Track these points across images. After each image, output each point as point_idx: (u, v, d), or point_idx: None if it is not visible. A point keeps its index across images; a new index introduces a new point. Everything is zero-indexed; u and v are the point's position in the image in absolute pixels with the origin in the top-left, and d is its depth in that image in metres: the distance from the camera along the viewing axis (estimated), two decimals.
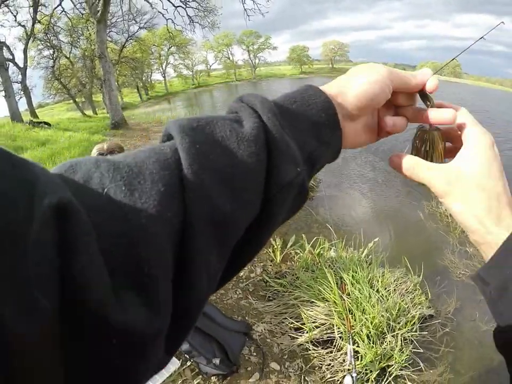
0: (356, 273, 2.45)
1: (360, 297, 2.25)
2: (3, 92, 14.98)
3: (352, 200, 4.67)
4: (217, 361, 1.90)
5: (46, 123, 13.79)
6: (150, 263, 0.22)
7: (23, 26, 18.43)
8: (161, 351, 0.26)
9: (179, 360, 2.00)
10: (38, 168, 0.20)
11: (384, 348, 1.99)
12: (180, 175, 0.26)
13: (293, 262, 2.94)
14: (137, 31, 24.79)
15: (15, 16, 17.48)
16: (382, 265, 2.72)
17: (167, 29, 19.93)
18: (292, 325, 2.27)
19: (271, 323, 2.31)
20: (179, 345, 0.29)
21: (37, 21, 18.05)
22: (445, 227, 3.72)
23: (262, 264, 3.00)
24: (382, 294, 2.33)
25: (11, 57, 18.08)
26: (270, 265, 2.98)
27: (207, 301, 0.30)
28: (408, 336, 2.12)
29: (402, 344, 2.05)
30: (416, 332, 2.16)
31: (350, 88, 0.39)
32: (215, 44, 60.44)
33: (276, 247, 3.01)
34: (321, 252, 2.88)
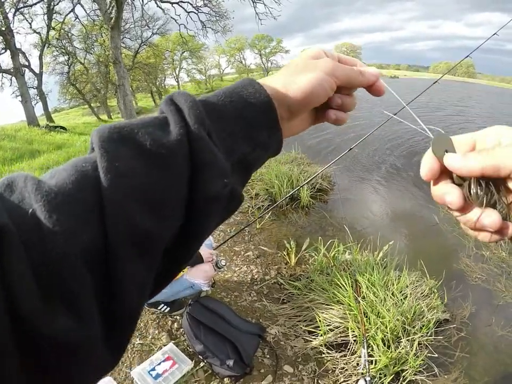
0: (371, 276, 2.42)
1: (375, 301, 2.23)
2: (20, 97, 15.32)
3: (367, 203, 4.62)
4: (230, 362, 1.90)
5: (62, 127, 14.12)
6: (70, 281, 0.24)
7: (38, 33, 18.92)
8: (102, 355, 0.27)
9: (192, 360, 2.01)
10: None
11: (399, 352, 1.96)
12: (100, 197, 0.26)
13: (307, 265, 2.93)
14: (150, 37, 25.22)
15: (30, 24, 17.92)
16: (398, 269, 2.69)
17: (180, 34, 20.17)
18: (306, 328, 2.25)
19: (285, 326, 2.30)
20: (123, 348, 0.30)
21: (51, 28, 18.49)
22: (461, 230, 3.61)
23: (276, 267, 2.99)
24: (398, 298, 2.30)
25: (27, 64, 18.55)
26: (285, 268, 2.97)
27: (143, 307, 0.32)
28: (423, 341, 2.09)
29: (417, 348, 2.02)
30: (431, 336, 2.13)
31: (295, 87, 0.38)
32: (227, 48, 60.88)
33: (290, 250, 3.00)
34: (336, 254, 2.85)
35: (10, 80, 17.48)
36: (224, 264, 2.34)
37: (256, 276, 2.86)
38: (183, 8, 16.75)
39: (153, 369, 1.98)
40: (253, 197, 4.56)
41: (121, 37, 16.24)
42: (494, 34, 2.41)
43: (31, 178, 0.26)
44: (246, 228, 3.53)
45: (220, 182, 0.32)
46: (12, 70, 15.31)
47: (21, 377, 0.22)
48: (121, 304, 0.27)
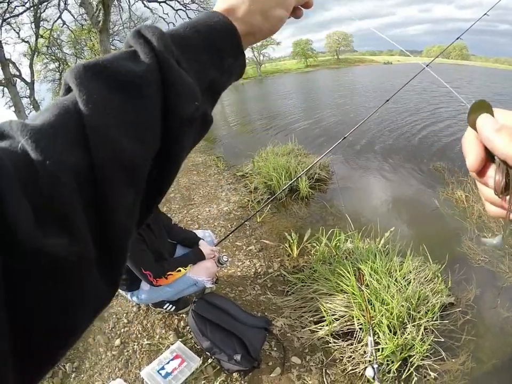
0: (374, 263, 2.42)
1: (379, 288, 2.23)
2: (13, 107, 15.36)
3: (366, 191, 4.61)
4: (238, 357, 1.91)
5: None
6: (61, 202, 0.26)
7: (27, 42, 18.78)
8: (96, 280, 0.28)
9: (200, 357, 2.03)
10: None
11: (405, 338, 1.96)
12: (82, 126, 0.28)
13: (310, 256, 2.93)
14: None
15: (17, 33, 17.78)
16: (400, 255, 2.68)
17: None
18: (311, 319, 2.26)
19: (290, 317, 2.31)
20: (118, 279, 0.32)
21: (39, 36, 18.35)
22: (462, 213, 3.65)
23: (279, 259, 3.00)
24: (401, 284, 2.30)
25: (18, 73, 18.41)
26: (287, 260, 2.98)
27: (136, 234, 0.34)
28: (429, 326, 2.09)
29: (423, 333, 2.03)
30: (437, 320, 2.13)
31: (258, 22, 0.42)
32: None
33: (292, 241, 3.00)
34: (338, 243, 2.85)
35: (2, 91, 17.46)
36: (226, 260, 2.34)
37: (259, 270, 2.87)
38: (171, 7, 16.66)
39: (163, 368, 2.00)
40: (252, 191, 4.56)
41: (111, 39, 16.12)
42: (484, 15, 2.39)
43: (16, 121, 0.28)
44: (246, 222, 3.53)
45: (192, 105, 0.34)
46: (3, 81, 15.27)
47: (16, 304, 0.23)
48: (112, 227, 0.29)
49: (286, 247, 3.09)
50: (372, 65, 57.82)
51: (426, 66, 2.35)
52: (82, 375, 2.11)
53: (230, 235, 2.68)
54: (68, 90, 0.32)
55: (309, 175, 4.57)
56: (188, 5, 16.76)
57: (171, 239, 2.38)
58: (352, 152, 6.18)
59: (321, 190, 4.57)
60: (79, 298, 0.27)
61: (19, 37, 17.99)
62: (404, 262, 2.53)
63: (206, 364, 2.00)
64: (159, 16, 18.13)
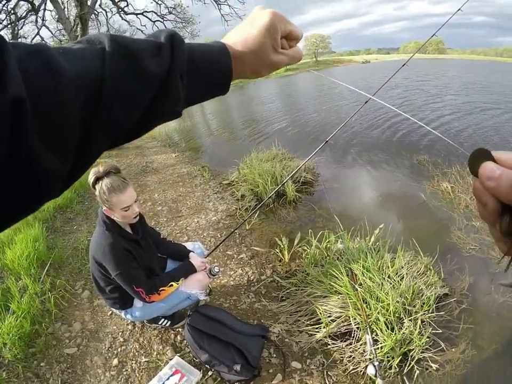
0: (366, 262, 2.43)
1: (373, 286, 2.24)
2: None
3: (352, 190, 4.64)
4: (238, 367, 1.89)
5: None
6: (65, 128, 0.32)
7: None
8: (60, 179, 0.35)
9: (200, 370, 2.00)
10: (8, 59, 0.28)
11: (403, 333, 1.98)
12: (100, 84, 0.35)
13: (301, 259, 2.92)
14: None
15: None
16: (391, 251, 2.70)
17: None
18: (308, 322, 2.26)
19: (287, 322, 2.30)
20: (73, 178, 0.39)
21: None
22: (449, 204, 3.71)
23: (271, 265, 2.99)
24: (394, 280, 2.32)
25: None
26: (279, 265, 2.97)
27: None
28: (426, 318, 2.11)
29: (421, 327, 2.04)
30: (433, 312, 2.15)
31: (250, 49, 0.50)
32: None
33: (282, 246, 2.99)
34: (328, 245, 2.86)
35: None
36: (218, 270, 2.33)
37: (252, 277, 2.85)
38: (148, 18, 16.59)
39: None
40: (239, 198, 4.54)
41: None
42: (458, 10, 2.44)
43: (51, 50, 0.35)
44: (236, 231, 3.52)
45: (172, 108, 0.44)
46: None
47: None
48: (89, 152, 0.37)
49: (277, 252, 3.08)
50: (350, 65, 58.55)
51: (404, 64, 2.38)
52: None
53: (220, 245, 2.66)
54: (93, 44, 0.38)
55: (295, 179, 4.59)
56: (165, 16, 16.71)
57: (161, 253, 2.36)
58: (336, 152, 6.22)
59: (308, 192, 4.58)
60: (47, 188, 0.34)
61: None
62: (395, 258, 2.55)
63: (206, 377, 1.98)
64: (137, 28, 18.02)
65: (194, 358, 2.12)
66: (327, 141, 2.17)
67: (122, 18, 16.31)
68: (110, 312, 2.68)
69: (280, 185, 2.56)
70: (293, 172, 2.48)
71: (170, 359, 2.13)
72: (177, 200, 5.08)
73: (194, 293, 2.13)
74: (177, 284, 2.08)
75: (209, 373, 1.99)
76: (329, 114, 10.56)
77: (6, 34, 16.03)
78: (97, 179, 1.80)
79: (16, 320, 2.54)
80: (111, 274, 1.92)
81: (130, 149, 12.38)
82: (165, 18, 16.76)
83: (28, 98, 0.27)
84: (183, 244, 2.45)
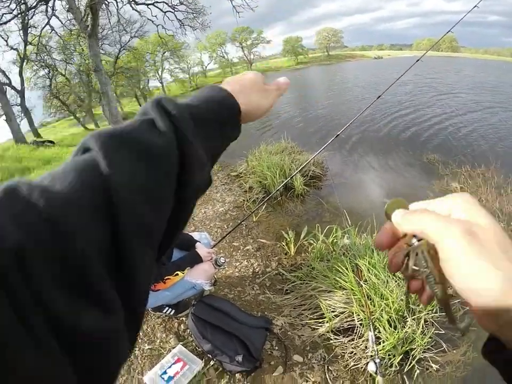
0: (372, 258, 2.42)
1: (378, 283, 2.22)
2: (3, 116, 15.14)
3: (360, 186, 4.61)
4: (240, 358, 1.90)
5: (49, 141, 14.01)
6: (91, 276, 0.26)
7: (16, 49, 18.60)
8: (125, 343, 0.30)
9: (202, 360, 2.02)
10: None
11: (406, 332, 1.96)
12: (108, 194, 0.29)
13: (307, 253, 2.91)
14: (129, 41, 24.70)
15: (6, 41, 17.66)
16: None
17: (159, 35, 19.84)
18: (311, 316, 2.26)
19: (290, 316, 2.31)
20: (138, 330, 0.34)
21: (28, 43, 18.14)
22: None
23: (276, 258, 2.99)
24: (399, 278, 2.30)
25: (7, 82, 18.22)
26: (285, 258, 2.97)
27: (149, 290, 0.35)
28: (429, 318, 2.09)
29: (424, 326, 2.03)
30: (437, 313, 2.12)
31: (254, 112, 0.53)
32: (208, 44, 60.39)
33: (289, 239, 2.99)
34: (335, 240, 2.85)
35: None
36: (224, 261, 2.33)
37: (257, 269, 2.86)
38: (159, 9, 16.51)
39: (165, 372, 2.00)
40: (247, 190, 4.55)
41: (100, 43, 15.94)
42: (474, 7, 2.39)
43: (34, 185, 0.27)
44: (243, 222, 3.53)
45: (202, 175, 0.40)
46: None
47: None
48: (137, 289, 0.30)
49: (283, 245, 3.08)
50: (362, 60, 57.66)
51: (418, 60, 2.35)
52: None
53: (227, 236, 2.66)
54: (84, 151, 0.33)
55: (303, 173, 4.57)
56: (176, 6, 16.61)
57: None
58: (346, 147, 6.20)
59: (316, 187, 4.56)
60: (114, 364, 0.28)
61: (7, 44, 17.90)
62: None
63: (208, 366, 2.00)
64: (148, 19, 17.99)
65: (197, 347, 2.13)
66: (338, 135, 2.15)
67: (133, 9, 16.23)
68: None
69: (289, 178, 2.56)
70: (303, 165, 2.47)
71: (173, 348, 2.15)
72: None
73: (199, 283, 2.14)
74: (183, 273, 2.09)
75: (211, 363, 2.01)
76: (340, 109, 10.47)
77: (16, 23, 16.12)
78: None
79: None
80: None
81: None
82: (176, 9, 16.67)
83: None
84: (189, 233, 2.45)
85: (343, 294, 2.26)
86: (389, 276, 2.30)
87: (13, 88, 18.91)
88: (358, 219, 3.20)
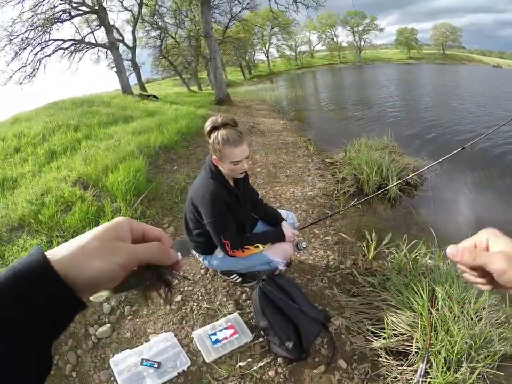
0: (451, 288, 2.22)
1: (449, 316, 2.03)
2: (115, 68, 16.50)
3: (459, 207, 4.19)
4: (290, 344, 1.90)
5: (154, 96, 15.06)
6: None
7: (130, 10, 19.85)
8: None
9: (252, 334, 2.07)
10: None
11: (456, 377, 1.76)
12: None
13: (385, 261, 2.75)
14: (240, 12, 24.96)
15: (121, 2, 18.84)
16: None
17: (270, 9, 19.71)
18: (370, 327, 2.16)
19: (350, 319, 2.24)
20: None
21: (143, 5, 19.28)
22: None
23: (353, 257, 2.89)
24: (472, 319, 2.07)
25: (121, 38, 19.62)
26: (362, 259, 2.86)
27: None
28: (484, 372, 1.84)
29: (476, 378, 1.79)
30: (493, 369, 1.85)
31: (82, 277, 0.37)
32: (318, 25, 59.10)
33: (370, 242, 2.86)
34: (418, 257, 2.66)
35: (106, 53, 18.66)
36: (305, 246, 2.31)
37: (331, 263, 2.80)
38: None
39: (214, 334, 2.08)
40: (339, 180, 4.45)
41: (211, 12, 16.33)
42: None
43: None
44: (328, 213, 3.48)
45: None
46: (107, 44, 16.42)
47: None
48: None
49: (363, 246, 2.97)
50: (480, 66, 50.70)
51: None
52: (137, 320, 2.27)
53: (312, 225, 2.62)
54: None
55: (400, 176, 4.30)
56: None
57: (254, 213, 2.38)
58: (456, 161, 5.30)
59: (410, 195, 4.29)
60: None
61: (122, 5, 19.12)
62: (480, 296, 2.28)
63: (256, 342, 2.05)
64: None
65: (251, 320, 2.19)
66: (464, 147, 1.95)
67: None
68: (189, 253, 2.86)
69: (402, 180, 2.33)
70: (427, 167, 2.27)
71: (230, 314, 2.24)
72: (277, 166, 5.15)
73: (276, 261, 2.14)
74: (263, 247, 2.10)
75: (260, 339, 2.05)
76: (452, 116, 9.44)
77: None
78: (214, 128, 1.83)
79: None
80: (203, 219, 1.99)
81: (240, 107, 12.72)
82: None
83: None
84: (278, 210, 2.44)
85: (411, 315, 2.12)
86: (462, 313, 2.09)
87: (125, 44, 20.40)
88: (446, 241, 2.91)
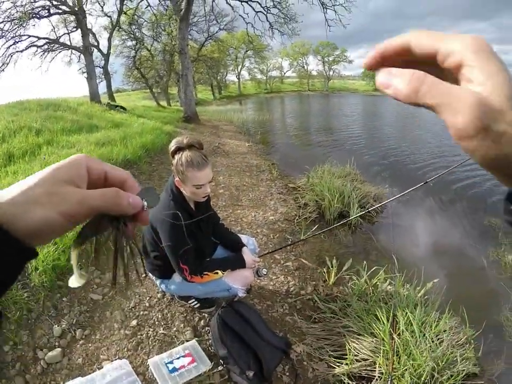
0: (412, 313, 2.26)
1: (411, 341, 2.06)
2: (85, 74, 16.13)
3: (415, 232, 4.34)
4: (250, 374, 1.83)
5: (122, 107, 14.77)
6: None
7: (109, 16, 19.73)
8: None
9: (212, 362, 1.98)
10: None
11: None
12: None
13: (346, 287, 2.76)
14: (217, 32, 25.70)
15: (102, 7, 18.74)
16: (439, 309, 2.49)
17: (247, 33, 20.25)
18: (332, 353, 2.13)
19: (311, 346, 2.19)
20: None
21: (123, 12, 19.20)
22: (508, 280, 3.34)
23: (314, 283, 2.87)
24: (433, 342, 2.12)
25: (96, 44, 19.31)
26: (322, 285, 2.84)
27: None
28: None
29: None
30: None
31: (23, 223, 0.31)
32: (291, 52, 61.34)
33: (331, 268, 2.86)
34: (378, 282, 2.69)
35: (79, 57, 18.31)
36: (265, 273, 2.26)
37: (292, 289, 2.76)
38: (252, 7, 16.86)
39: (171, 362, 1.98)
40: (301, 206, 4.48)
41: (189, 29, 16.52)
42: None
43: None
44: (289, 237, 3.46)
45: None
46: (81, 48, 16.14)
47: None
48: None
49: (323, 271, 2.96)
50: None
51: None
52: (89, 345, 2.14)
53: (270, 247, 2.61)
54: None
55: (361, 204, 4.42)
56: (269, 8, 16.87)
57: (214, 237, 2.33)
58: (414, 191, 5.71)
59: (370, 221, 4.38)
60: None
61: (102, 10, 18.95)
62: (441, 319, 2.34)
63: (215, 370, 1.96)
64: (239, 15, 18.45)
65: (210, 347, 2.10)
66: (427, 182, 2.03)
67: (227, 2, 16.73)
68: (145, 275, 2.73)
69: (365, 211, 2.43)
70: (387, 201, 2.34)
71: (187, 341, 2.14)
72: (240, 189, 5.12)
73: (235, 288, 2.08)
74: (223, 273, 2.04)
75: (219, 368, 1.96)
76: (413, 146, 9.87)
77: None
78: (179, 149, 1.78)
79: (55, 252, 2.66)
80: (161, 242, 1.92)
81: (207, 126, 12.73)
82: (268, 11, 16.94)
83: None
84: (238, 234, 2.41)
85: (373, 341, 2.12)
86: (423, 336, 2.13)
87: (100, 50, 19.99)
88: (405, 266, 3.01)
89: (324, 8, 15.92)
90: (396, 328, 2.16)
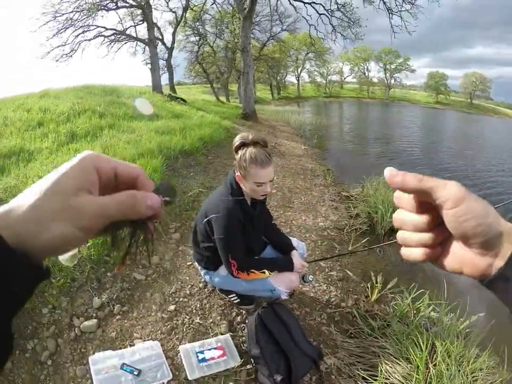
0: (452, 345, 2.14)
1: (445, 373, 1.95)
2: (149, 65, 16.91)
3: None
4: (278, 378, 1.82)
5: (182, 99, 15.27)
6: None
7: (174, 12, 20.39)
8: None
9: (241, 359, 1.99)
10: None
11: None
12: None
13: (387, 307, 2.67)
14: (279, 32, 25.51)
15: (167, 2, 19.40)
16: (480, 345, 2.33)
17: (309, 35, 20.02)
18: (362, 372, 2.07)
19: (342, 360, 2.15)
20: None
21: (189, 8, 19.78)
22: None
23: (355, 297, 2.81)
24: (467, 379, 1.99)
25: (160, 37, 20.10)
26: (364, 300, 2.77)
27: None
28: None
29: None
30: None
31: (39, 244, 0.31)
32: (352, 56, 59.92)
33: (375, 284, 2.78)
34: (421, 307, 2.57)
35: (144, 49, 19.15)
36: (311, 280, 2.24)
37: (332, 299, 2.72)
38: (315, 10, 16.55)
39: (202, 352, 2.00)
40: (353, 216, 4.39)
41: (252, 27, 16.53)
42: None
43: None
44: (337, 246, 3.40)
45: None
46: (146, 40, 16.90)
47: None
48: None
49: (367, 286, 2.89)
50: (505, 119, 49.83)
51: None
52: (125, 321, 2.21)
53: (318, 254, 2.56)
54: None
55: None
56: (333, 11, 16.50)
57: (265, 237, 2.33)
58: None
59: None
60: None
61: (168, 5, 19.60)
62: (479, 356, 2.18)
63: (243, 368, 1.97)
64: (302, 16, 18.21)
65: (242, 344, 2.13)
66: (496, 207, 1.91)
67: (290, 3, 16.59)
68: (190, 263, 2.81)
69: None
70: None
71: (221, 334, 2.17)
72: (293, 191, 5.11)
73: (279, 289, 2.06)
74: (269, 273, 2.03)
75: (248, 366, 1.98)
76: (478, 169, 9.28)
77: None
78: (243, 144, 1.80)
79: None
80: (214, 234, 1.95)
81: (264, 125, 12.81)
82: (332, 14, 16.59)
83: None
84: (289, 237, 2.38)
85: (407, 367, 2.04)
86: (459, 371, 2.01)
87: (164, 44, 20.81)
88: (451, 294, 2.85)
89: (389, 13, 15.32)
90: (433, 357, 2.06)
